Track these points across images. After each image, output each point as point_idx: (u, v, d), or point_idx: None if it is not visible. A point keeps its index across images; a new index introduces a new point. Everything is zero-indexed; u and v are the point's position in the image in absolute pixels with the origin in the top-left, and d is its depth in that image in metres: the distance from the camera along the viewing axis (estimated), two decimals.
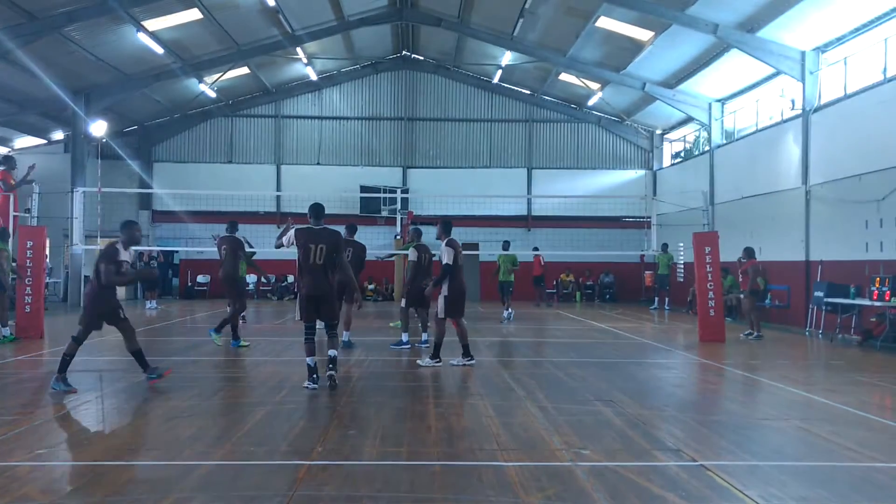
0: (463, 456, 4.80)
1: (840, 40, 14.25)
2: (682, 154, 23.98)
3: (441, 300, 8.61)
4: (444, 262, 8.54)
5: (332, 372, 7.06)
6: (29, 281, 11.46)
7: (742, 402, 7.19)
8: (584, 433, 5.41)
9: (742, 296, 13.60)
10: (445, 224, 8.86)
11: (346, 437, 5.26)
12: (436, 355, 8.71)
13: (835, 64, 14.58)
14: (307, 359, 7.08)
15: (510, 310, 16.21)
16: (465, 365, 8.68)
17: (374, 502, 3.89)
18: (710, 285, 12.08)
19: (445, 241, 8.68)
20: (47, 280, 12.95)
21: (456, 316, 8.73)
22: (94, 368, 8.69)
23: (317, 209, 7.22)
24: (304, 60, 22.40)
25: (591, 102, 23.89)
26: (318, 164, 24.94)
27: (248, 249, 11.68)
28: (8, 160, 12.30)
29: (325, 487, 4.10)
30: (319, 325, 7.33)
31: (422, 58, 25.28)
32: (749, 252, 13.16)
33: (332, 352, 7.20)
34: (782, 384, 7.82)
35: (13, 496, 3.86)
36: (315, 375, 7.03)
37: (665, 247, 20.15)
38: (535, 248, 21.48)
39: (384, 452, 4.87)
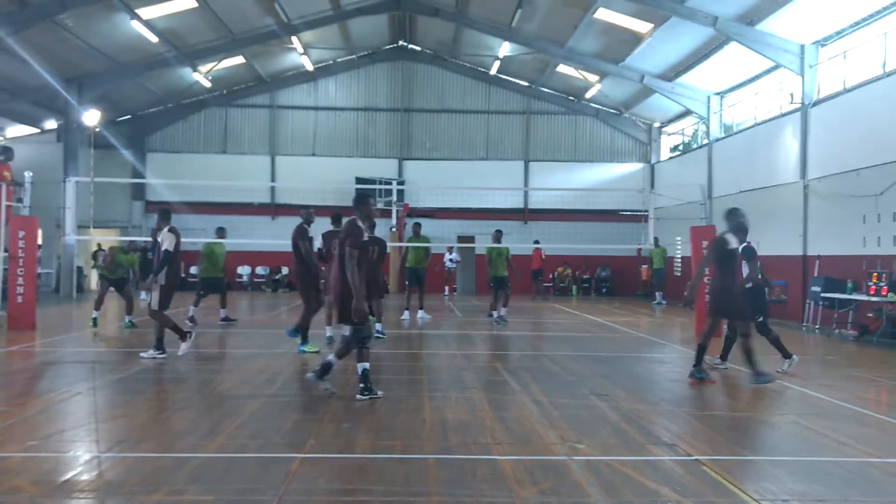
0: (457, 449, 4.76)
1: (839, 34, 14.19)
2: (681, 147, 23.92)
3: (157, 290, 8.26)
4: (165, 248, 8.32)
5: (361, 393, 6.18)
6: (21, 271, 11.35)
7: (738, 398, 7.17)
8: (580, 427, 5.38)
9: None
10: (164, 212, 8.76)
11: (340, 430, 5.22)
12: (159, 347, 8.43)
13: (834, 58, 14.52)
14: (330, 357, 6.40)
15: (503, 310, 13.32)
16: (154, 358, 8.33)
17: (367, 496, 3.87)
18: (708, 280, 12.00)
19: (167, 228, 8.52)
20: (39, 270, 12.82)
21: (166, 307, 8.41)
22: (86, 360, 8.64)
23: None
24: (300, 50, 22.21)
25: (589, 95, 23.79)
26: (314, 154, 24.81)
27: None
28: (6, 151, 12.11)
29: (318, 480, 4.08)
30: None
31: (419, 48, 25.12)
32: None
33: (360, 366, 6.28)
34: (778, 379, 7.79)
35: (5, 487, 3.83)
36: (326, 376, 6.34)
37: (656, 241, 20.14)
38: (536, 242, 21.42)
39: (378, 446, 4.83)
